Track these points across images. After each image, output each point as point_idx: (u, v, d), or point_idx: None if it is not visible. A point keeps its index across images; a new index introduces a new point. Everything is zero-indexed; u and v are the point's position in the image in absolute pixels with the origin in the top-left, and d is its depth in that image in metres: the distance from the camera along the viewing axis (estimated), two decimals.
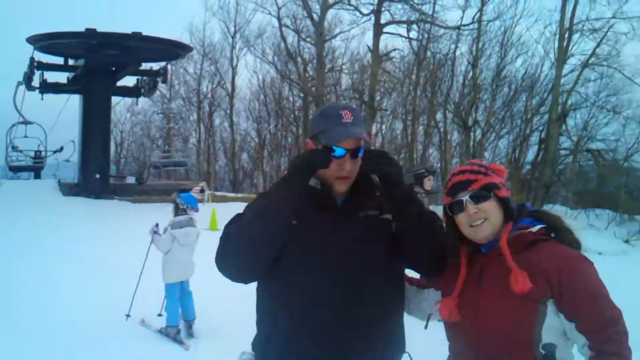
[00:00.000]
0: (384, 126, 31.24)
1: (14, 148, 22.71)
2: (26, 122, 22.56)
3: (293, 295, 2.16)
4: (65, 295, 7.67)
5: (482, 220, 2.08)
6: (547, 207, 19.92)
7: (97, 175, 19.19)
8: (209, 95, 37.27)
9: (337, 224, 2.19)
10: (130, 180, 22.68)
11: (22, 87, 21.39)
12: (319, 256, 2.15)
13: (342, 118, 2.16)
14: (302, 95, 30.42)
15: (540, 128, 25.29)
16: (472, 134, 24.83)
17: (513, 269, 1.96)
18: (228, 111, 36.30)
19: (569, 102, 22.95)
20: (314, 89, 27.18)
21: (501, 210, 2.10)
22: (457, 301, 2.13)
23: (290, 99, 33.82)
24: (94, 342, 6.09)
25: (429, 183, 7.06)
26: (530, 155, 26.17)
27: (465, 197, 2.09)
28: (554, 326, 1.97)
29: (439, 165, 26.69)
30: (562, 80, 22.49)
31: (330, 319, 2.13)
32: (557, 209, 19.99)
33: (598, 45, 21.70)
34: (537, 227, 2.10)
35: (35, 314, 6.90)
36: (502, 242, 2.04)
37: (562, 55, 21.78)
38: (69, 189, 18.87)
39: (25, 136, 22.88)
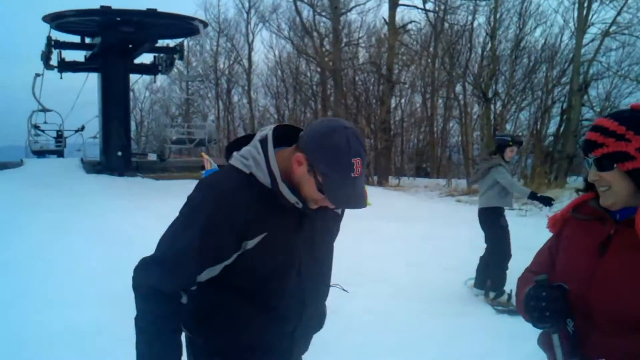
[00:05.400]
0: (403, 100, 31.10)
1: (37, 127, 23.14)
2: (45, 110, 23.05)
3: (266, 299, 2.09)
4: (97, 273, 7.38)
5: (605, 188, 1.81)
6: (571, 179, 19.78)
7: (119, 153, 19.46)
8: (227, 72, 37.37)
9: (303, 225, 2.07)
10: (152, 157, 22.93)
11: (40, 78, 21.97)
12: (292, 264, 2.08)
13: (353, 171, 1.81)
14: (319, 70, 30.31)
15: (562, 99, 24.91)
16: (492, 106, 24.61)
17: None
18: (246, 87, 36.43)
19: (591, 72, 22.41)
20: (331, 63, 27.05)
21: (629, 181, 1.77)
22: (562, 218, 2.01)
23: (308, 74, 33.74)
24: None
25: (510, 154, 6.90)
26: (552, 126, 25.84)
27: (590, 159, 1.83)
28: None
29: (459, 138, 26.55)
30: (583, 50, 21.93)
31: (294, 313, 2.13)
32: (580, 181, 19.82)
33: (619, 13, 21.04)
34: None
35: (68, 291, 6.61)
36: (638, 217, 1.74)
37: (582, 24, 21.21)
38: (92, 167, 19.12)
39: (45, 122, 23.53)
